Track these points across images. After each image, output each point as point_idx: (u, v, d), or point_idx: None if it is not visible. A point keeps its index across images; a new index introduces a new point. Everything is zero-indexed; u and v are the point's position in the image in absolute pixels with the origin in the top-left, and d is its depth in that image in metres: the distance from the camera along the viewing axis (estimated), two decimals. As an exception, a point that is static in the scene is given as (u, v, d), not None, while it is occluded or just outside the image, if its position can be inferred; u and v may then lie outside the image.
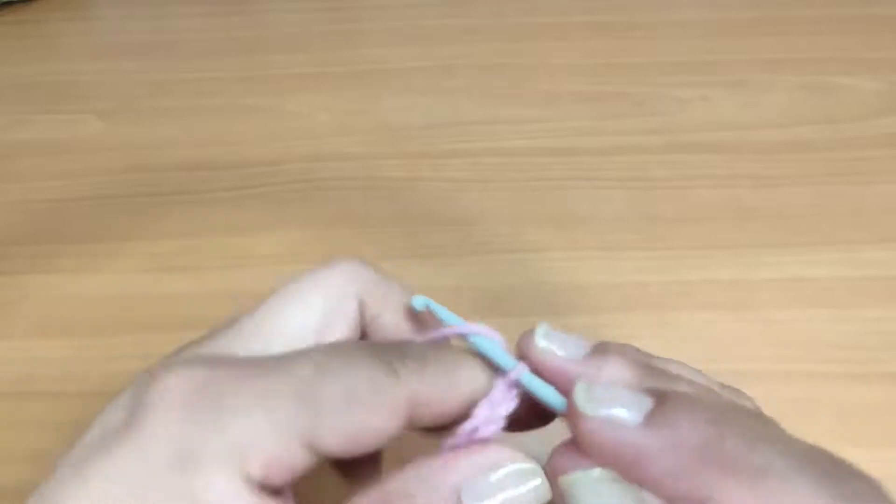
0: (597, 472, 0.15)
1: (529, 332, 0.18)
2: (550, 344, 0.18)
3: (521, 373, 0.18)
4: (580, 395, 0.16)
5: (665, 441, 0.14)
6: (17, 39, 0.54)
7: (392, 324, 0.20)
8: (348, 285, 0.20)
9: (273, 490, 0.15)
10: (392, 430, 0.16)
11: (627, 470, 0.15)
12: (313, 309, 0.19)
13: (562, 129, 0.42)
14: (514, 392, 0.18)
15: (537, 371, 0.18)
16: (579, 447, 0.15)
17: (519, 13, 0.54)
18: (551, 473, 0.16)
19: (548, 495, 0.16)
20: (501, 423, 0.17)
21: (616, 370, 0.17)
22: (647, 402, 0.15)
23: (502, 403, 0.17)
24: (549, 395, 0.17)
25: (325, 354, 0.16)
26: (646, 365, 0.18)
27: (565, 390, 0.17)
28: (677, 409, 0.15)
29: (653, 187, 0.38)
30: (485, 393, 0.17)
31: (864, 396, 0.28)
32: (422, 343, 0.19)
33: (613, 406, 0.15)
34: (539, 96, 0.45)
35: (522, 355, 0.18)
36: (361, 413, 0.15)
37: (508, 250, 0.35)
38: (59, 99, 0.48)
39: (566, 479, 0.15)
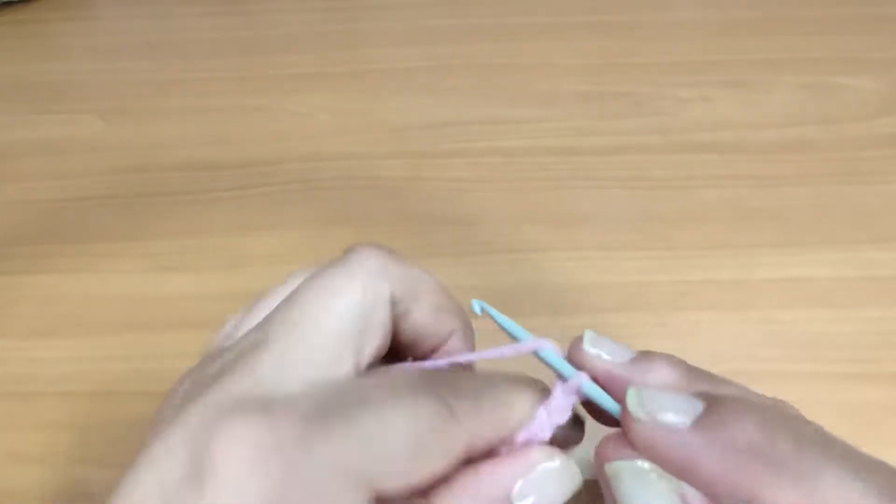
0: (643, 463, 0.16)
1: (578, 339, 0.18)
2: (599, 350, 0.18)
3: (582, 381, 0.18)
4: (632, 399, 0.16)
5: (715, 443, 0.14)
6: (17, 39, 0.54)
7: (423, 323, 0.20)
8: (381, 280, 0.19)
9: None
10: (448, 470, 0.16)
11: (678, 471, 0.15)
12: (351, 310, 0.18)
13: (562, 129, 0.42)
14: (572, 401, 0.18)
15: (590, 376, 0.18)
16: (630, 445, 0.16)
17: (519, 13, 0.54)
18: (599, 459, 0.16)
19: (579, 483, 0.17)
20: (552, 431, 0.17)
21: (663, 374, 0.18)
22: (698, 405, 0.15)
23: (560, 412, 0.17)
24: (607, 402, 0.17)
25: (388, 402, 0.16)
26: (691, 369, 0.18)
27: (615, 395, 0.17)
28: (727, 411, 0.15)
29: (653, 187, 0.38)
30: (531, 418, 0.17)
31: (864, 396, 0.28)
32: (475, 378, 0.18)
33: (665, 410, 0.15)
34: (539, 96, 0.45)
35: (572, 361, 0.18)
36: (424, 462, 0.16)
37: (508, 250, 0.35)
38: (59, 99, 0.48)
39: (613, 466, 0.16)
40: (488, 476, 0.16)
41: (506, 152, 0.41)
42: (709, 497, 0.15)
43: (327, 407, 0.16)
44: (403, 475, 0.15)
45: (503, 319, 0.19)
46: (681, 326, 0.31)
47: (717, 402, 0.15)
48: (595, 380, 0.18)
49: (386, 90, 0.47)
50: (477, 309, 0.20)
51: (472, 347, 0.22)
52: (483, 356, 0.19)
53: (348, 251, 0.19)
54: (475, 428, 0.16)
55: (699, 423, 0.15)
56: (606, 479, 0.16)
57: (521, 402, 0.18)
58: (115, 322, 0.33)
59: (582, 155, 0.41)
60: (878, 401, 0.28)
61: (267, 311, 0.18)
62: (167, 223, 0.38)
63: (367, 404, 0.16)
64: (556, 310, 0.32)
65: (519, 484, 0.16)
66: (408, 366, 0.20)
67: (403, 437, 0.15)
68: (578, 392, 0.18)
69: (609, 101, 0.45)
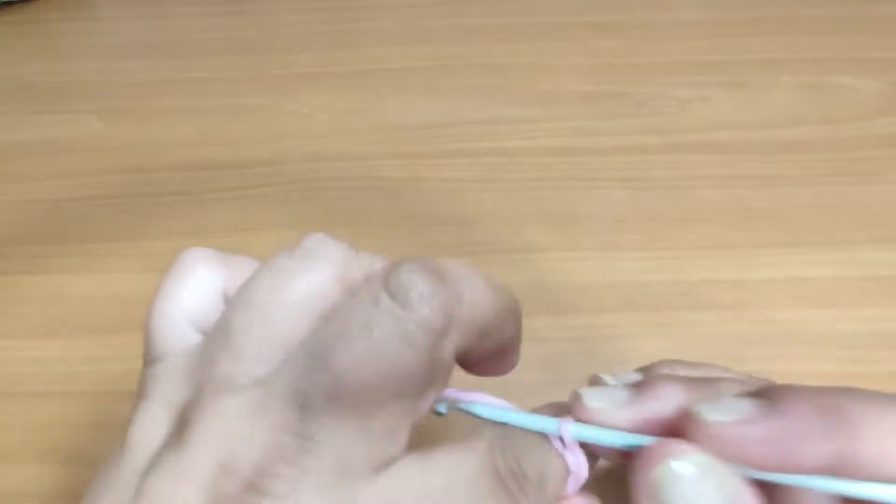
0: (694, 458, 0.15)
1: (577, 399, 0.18)
2: (600, 403, 0.17)
3: (569, 428, 0.17)
4: (704, 409, 0.16)
5: (786, 424, 0.15)
6: (17, 39, 0.54)
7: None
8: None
9: None
10: None
11: (760, 461, 0.15)
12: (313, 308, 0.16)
13: (562, 129, 0.42)
14: (579, 451, 0.17)
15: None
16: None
17: (519, 13, 0.54)
18: (641, 467, 0.16)
19: None
20: (585, 478, 0.17)
21: (669, 396, 0.17)
22: (751, 402, 0.15)
23: (580, 470, 0.17)
24: (605, 436, 0.17)
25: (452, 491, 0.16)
26: (690, 381, 0.18)
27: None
28: (780, 395, 0.15)
29: (653, 187, 0.38)
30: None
31: (865, 396, 0.28)
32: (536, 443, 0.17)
33: (727, 411, 0.15)
34: (539, 96, 0.45)
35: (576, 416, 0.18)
36: None
37: (508, 250, 0.35)
38: (59, 99, 0.48)
39: (661, 469, 0.15)
40: None
41: (506, 152, 0.41)
42: (802, 472, 0.15)
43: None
44: None
45: (481, 409, 0.18)
46: (681, 326, 0.31)
47: (764, 392, 0.16)
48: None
49: (386, 90, 0.47)
50: (442, 409, 0.18)
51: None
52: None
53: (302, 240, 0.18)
54: None
55: (759, 412, 0.15)
56: (653, 488, 0.15)
57: (557, 465, 0.17)
58: (115, 322, 0.33)
59: (582, 155, 0.41)
60: (878, 401, 0.28)
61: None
62: (167, 223, 0.38)
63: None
64: (556, 310, 0.32)
65: None
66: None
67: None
68: (570, 442, 0.17)
69: (609, 101, 0.45)
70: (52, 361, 0.31)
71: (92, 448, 0.28)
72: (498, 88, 0.46)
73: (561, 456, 0.17)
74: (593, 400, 0.17)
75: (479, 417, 0.18)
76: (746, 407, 0.15)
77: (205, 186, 0.40)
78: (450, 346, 0.16)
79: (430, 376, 0.16)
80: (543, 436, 0.17)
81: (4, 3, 0.57)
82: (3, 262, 0.36)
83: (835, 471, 0.15)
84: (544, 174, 0.39)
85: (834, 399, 0.15)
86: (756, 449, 0.15)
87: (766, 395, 0.15)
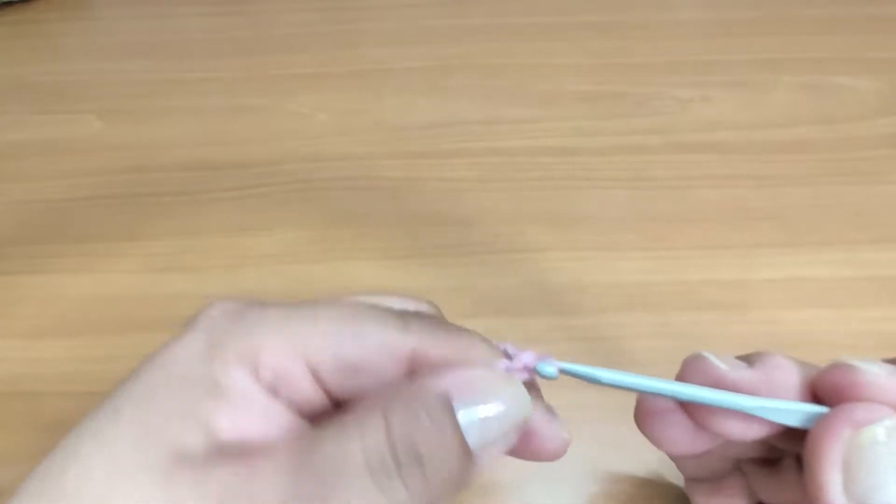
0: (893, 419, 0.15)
1: (700, 357, 0.18)
2: (720, 362, 0.18)
3: (552, 360, 0.17)
4: (855, 362, 0.17)
5: None
6: (17, 39, 0.54)
7: (335, 385, 0.17)
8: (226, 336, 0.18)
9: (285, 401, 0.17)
10: (390, 372, 0.17)
11: None
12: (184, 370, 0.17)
13: (562, 129, 0.42)
14: (530, 369, 0.17)
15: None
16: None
17: (519, 13, 0.54)
18: (836, 429, 0.16)
19: (528, 412, 0.16)
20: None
21: (786, 376, 0.18)
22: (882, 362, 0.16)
23: (519, 371, 0.17)
24: (588, 371, 0.17)
25: (349, 302, 0.18)
26: (803, 365, 0.19)
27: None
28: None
29: (653, 187, 0.38)
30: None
31: (865, 396, 0.28)
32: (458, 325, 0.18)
33: (874, 364, 0.17)
34: (539, 96, 0.45)
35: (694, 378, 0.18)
36: (364, 348, 0.17)
37: (508, 250, 0.35)
38: (59, 99, 0.48)
39: (869, 430, 0.15)
40: (429, 376, 0.16)
41: (505, 152, 0.41)
42: None
43: (294, 303, 0.18)
44: (340, 354, 0.17)
45: (595, 372, 0.18)
46: (681, 326, 0.31)
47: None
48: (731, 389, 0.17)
49: (386, 90, 0.47)
50: (549, 372, 0.17)
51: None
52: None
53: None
54: (427, 344, 0.17)
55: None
56: (852, 452, 0.15)
57: (481, 349, 0.17)
58: (115, 322, 0.33)
59: (582, 155, 0.41)
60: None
61: None
62: (167, 223, 0.38)
63: (328, 301, 0.18)
64: (556, 310, 0.32)
65: (456, 389, 0.15)
66: None
67: (348, 323, 0.17)
68: (538, 361, 0.17)
69: (609, 101, 0.45)
70: (52, 361, 0.31)
71: (92, 448, 0.28)
72: (498, 88, 0.46)
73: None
74: (717, 360, 0.18)
75: (596, 382, 0.17)
76: (882, 364, 0.16)
77: (205, 186, 0.40)
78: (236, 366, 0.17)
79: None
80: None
81: (4, 3, 0.57)
82: (3, 262, 0.36)
83: None
84: (544, 174, 0.39)
85: None
86: None
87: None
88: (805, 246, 0.34)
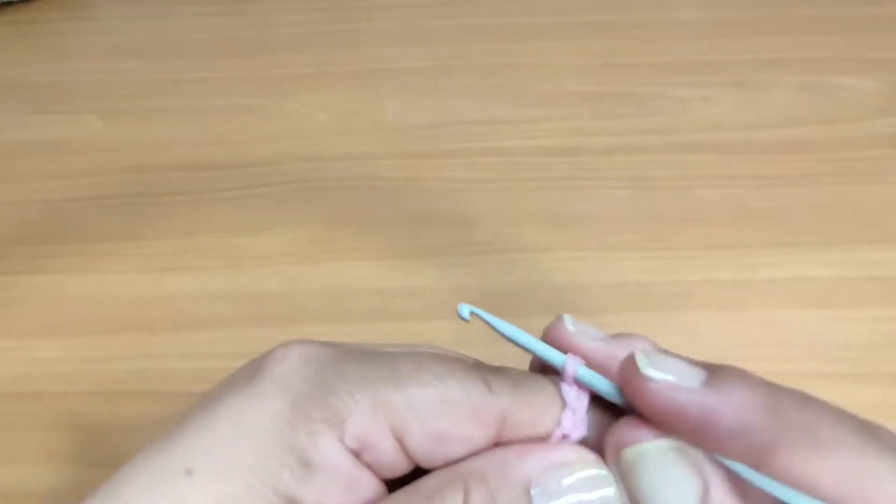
0: (663, 442, 0.15)
1: (558, 321, 0.18)
2: (578, 329, 0.18)
3: (577, 366, 0.17)
4: (642, 360, 0.16)
5: (729, 400, 0.15)
6: (17, 39, 0.54)
7: (424, 452, 0.17)
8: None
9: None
10: (480, 442, 0.16)
11: (692, 430, 0.15)
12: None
13: (562, 129, 0.42)
14: (584, 392, 0.17)
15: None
16: (642, 416, 0.16)
17: (519, 13, 0.54)
18: (613, 447, 0.16)
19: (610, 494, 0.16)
20: (585, 426, 0.17)
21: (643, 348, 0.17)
22: (701, 371, 0.15)
23: (578, 405, 0.17)
24: (604, 383, 0.17)
25: (426, 358, 0.17)
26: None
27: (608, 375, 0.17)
28: (732, 375, 0.15)
29: (653, 187, 0.38)
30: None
31: (864, 396, 0.28)
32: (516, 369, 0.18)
33: (673, 371, 0.15)
34: (539, 96, 0.45)
35: (553, 342, 0.18)
36: (452, 417, 0.16)
37: (508, 250, 0.35)
38: (59, 99, 0.48)
39: (632, 451, 0.16)
40: (514, 455, 0.16)
41: (505, 152, 0.41)
42: (727, 454, 0.15)
43: (375, 352, 0.17)
44: (429, 428, 0.16)
45: (500, 324, 0.18)
46: (681, 326, 0.31)
47: (718, 368, 0.16)
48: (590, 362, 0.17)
49: (386, 90, 0.47)
50: (465, 314, 0.18)
51: None
52: None
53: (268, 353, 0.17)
54: (511, 405, 0.16)
55: (709, 383, 0.15)
56: (623, 468, 0.16)
57: (553, 391, 0.17)
58: (115, 322, 0.33)
59: (582, 155, 0.41)
60: (878, 401, 0.28)
61: None
62: (167, 223, 0.38)
63: (409, 357, 0.17)
64: (556, 310, 0.32)
65: (542, 478, 0.15)
66: None
67: (434, 392, 0.16)
68: (576, 380, 0.17)
69: (609, 101, 0.45)
70: (52, 361, 0.31)
71: (93, 448, 0.28)
72: (498, 88, 0.46)
73: (560, 391, 0.17)
74: (571, 326, 0.18)
75: (497, 331, 0.18)
76: (690, 373, 0.15)
77: (205, 186, 0.40)
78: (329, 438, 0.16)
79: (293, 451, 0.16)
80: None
81: (4, 3, 0.57)
82: (3, 262, 0.36)
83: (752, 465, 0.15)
84: (544, 174, 0.39)
85: (779, 399, 0.15)
86: (681, 417, 0.15)
87: (718, 371, 0.15)
88: (805, 246, 0.34)
